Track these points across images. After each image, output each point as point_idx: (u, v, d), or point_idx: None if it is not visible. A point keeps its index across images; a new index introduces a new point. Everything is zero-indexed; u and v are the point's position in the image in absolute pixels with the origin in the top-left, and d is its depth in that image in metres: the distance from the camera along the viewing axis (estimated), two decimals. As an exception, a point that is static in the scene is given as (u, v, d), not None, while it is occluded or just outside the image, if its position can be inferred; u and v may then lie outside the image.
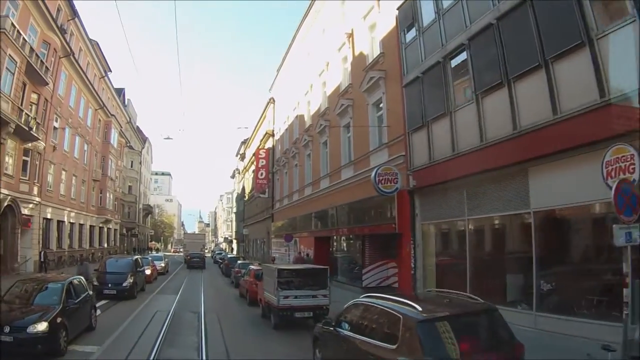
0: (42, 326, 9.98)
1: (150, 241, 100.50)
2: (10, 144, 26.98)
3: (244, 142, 76.78)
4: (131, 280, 19.92)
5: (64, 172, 36.76)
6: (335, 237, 27.76)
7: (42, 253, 28.19)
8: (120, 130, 55.53)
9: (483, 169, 13.32)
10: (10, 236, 27.34)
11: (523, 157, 11.80)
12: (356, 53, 24.36)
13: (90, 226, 44.86)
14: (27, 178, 28.88)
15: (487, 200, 13.76)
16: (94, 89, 43.50)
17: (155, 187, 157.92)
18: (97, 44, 47.88)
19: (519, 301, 12.50)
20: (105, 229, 51.30)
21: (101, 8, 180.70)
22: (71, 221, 38.68)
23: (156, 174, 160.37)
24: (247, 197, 66.53)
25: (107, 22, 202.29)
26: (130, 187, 67.12)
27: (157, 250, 77.07)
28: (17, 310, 10.75)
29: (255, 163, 47.62)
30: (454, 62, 15.41)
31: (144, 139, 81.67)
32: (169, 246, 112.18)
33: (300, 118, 35.59)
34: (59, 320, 10.63)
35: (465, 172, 14.10)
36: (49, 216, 33.35)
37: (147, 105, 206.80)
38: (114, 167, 52.51)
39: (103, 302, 18.67)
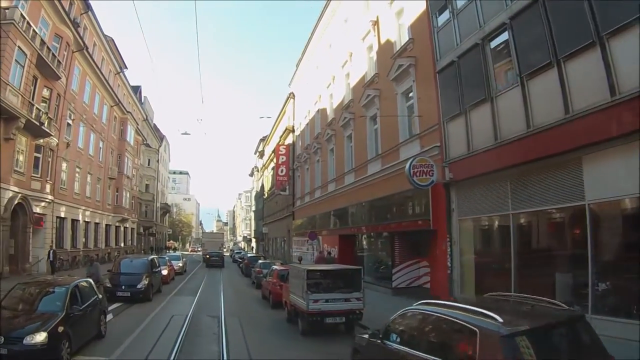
0: (40, 337, 8.68)
1: (168, 240, 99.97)
2: (21, 139, 26.01)
3: (262, 140, 75.87)
4: (146, 282, 18.64)
5: (78, 170, 35.80)
6: (361, 235, 26.31)
7: (51, 252, 26.99)
8: (137, 127, 54.64)
9: (530, 158, 12.19)
10: (21, 235, 26.34)
11: (576, 144, 10.61)
12: (382, 41, 23.11)
13: (106, 225, 43.98)
14: (39, 175, 27.90)
15: (534, 192, 12.53)
16: (109, 85, 42.54)
17: (173, 186, 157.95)
18: (112, 40, 46.98)
19: (570, 302, 11.02)
20: (122, 228, 50.43)
21: (115, 6, 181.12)
22: (86, 220, 37.75)
23: (174, 172, 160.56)
24: (266, 195, 65.53)
25: (121, 20, 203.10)
26: (147, 185, 66.31)
27: (175, 249, 76.18)
28: (14, 318, 9.44)
29: (275, 160, 46.34)
30: (494, 44, 14.18)
31: (161, 137, 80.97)
32: (187, 245, 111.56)
33: (322, 112, 34.24)
34: (60, 329, 9.33)
35: (510, 162, 12.92)
36: (62, 215, 32.38)
37: (164, 104, 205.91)
38: (131, 165, 51.60)
39: (116, 304, 17.52)
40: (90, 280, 12.72)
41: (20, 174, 25.91)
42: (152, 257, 22.34)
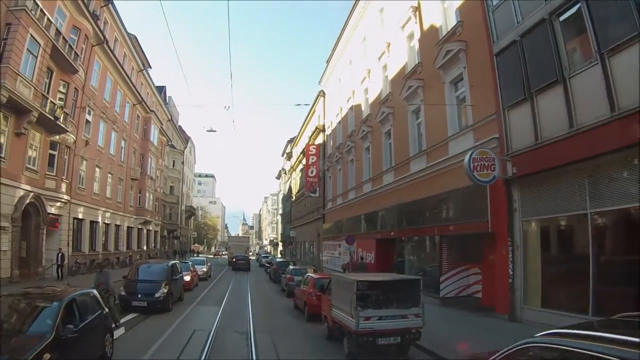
0: (15, 371, 6.50)
1: (194, 243, 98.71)
2: (34, 135, 24.34)
3: (290, 141, 74.23)
4: (165, 290, 16.50)
5: (97, 169, 34.14)
6: (401, 240, 23.90)
7: (59, 255, 25.34)
8: (161, 127, 53.07)
9: (614, 147, 10.37)
10: (33, 237, 24.65)
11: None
12: (425, 27, 21.12)
13: (128, 227, 42.32)
14: (53, 174, 26.19)
15: (619, 187, 10.69)
16: (131, 82, 40.98)
17: (198, 189, 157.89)
18: (135, 37, 45.57)
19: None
20: (145, 231, 48.78)
21: (139, 5, 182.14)
22: (106, 222, 36.07)
23: (200, 175, 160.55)
24: (294, 198, 63.67)
25: (146, 20, 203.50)
26: (172, 187, 64.78)
27: (197, 253, 74.34)
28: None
29: (304, 160, 44.16)
30: (564, 17, 12.28)
31: (186, 139, 79.60)
32: (213, 249, 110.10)
33: (356, 108, 32.07)
34: (46, 357, 7.11)
35: (589, 152, 11.10)
36: (80, 216, 30.71)
37: (189, 106, 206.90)
38: (154, 166, 49.99)
39: (131, 315, 15.51)
40: (95, 292, 10.53)
41: (33, 171, 24.22)
42: (173, 262, 20.14)
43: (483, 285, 16.69)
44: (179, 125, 76.84)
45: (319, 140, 44.73)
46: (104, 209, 35.12)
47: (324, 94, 44.99)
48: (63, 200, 27.01)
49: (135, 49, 44.13)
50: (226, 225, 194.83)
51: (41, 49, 23.38)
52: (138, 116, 45.19)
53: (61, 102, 26.30)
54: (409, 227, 21.49)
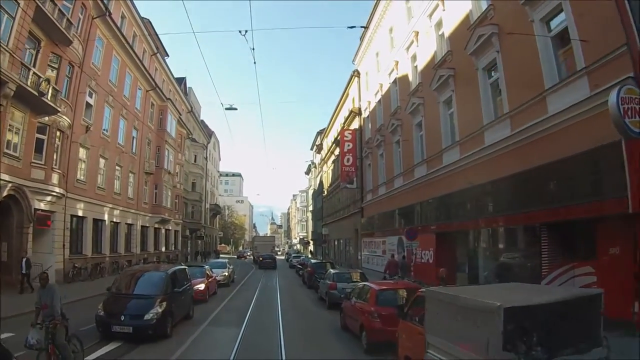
0: None
1: (220, 244, 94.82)
2: (13, 114, 20.02)
3: (320, 133, 69.73)
4: (160, 310, 11.78)
5: (102, 160, 29.88)
6: (472, 233, 18.75)
7: (24, 261, 19.53)
8: (179, 118, 48.77)
9: None
10: (16, 237, 20.39)
11: None
12: None
13: (142, 227, 38.08)
14: (42, 162, 21.94)
15: None
16: (143, 65, 36.77)
17: (225, 188, 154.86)
18: (150, 22, 41.51)
19: None
20: (163, 231, 44.47)
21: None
22: (114, 220, 31.82)
23: (226, 175, 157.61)
24: (325, 193, 59.10)
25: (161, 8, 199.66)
26: (194, 183, 60.45)
27: (217, 254, 69.75)
28: None
29: (339, 148, 39.13)
30: None
31: (209, 134, 75.57)
32: (240, 248, 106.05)
33: (401, 81, 27.23)
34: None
35: None
36: (79, 213, 26.47)
37: (213, 102, 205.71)
38: (172, 160, 45.66)
39: (109, 347, 10.97)
40: None
41: (14, 158, 19.96)
42: (177, 268, 15.14)
43: (603, 288, 11.76)
44: (202, 120, 72.86)
45: (355, 125, 39.80)
46: (111, 205, 30.85)
47: (359, 73, 40.11)
48: (55, 193, 22.71)
49: (147, 31, 39.94)
50: (254, 224, 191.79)
51: (19, 9, 19.18)
52: (152, 104, 40.97)
53: (50, 76, 21.98)
54: (491, 215, 16.15)
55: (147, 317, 11.50)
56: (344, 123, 42.90)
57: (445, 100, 20.55)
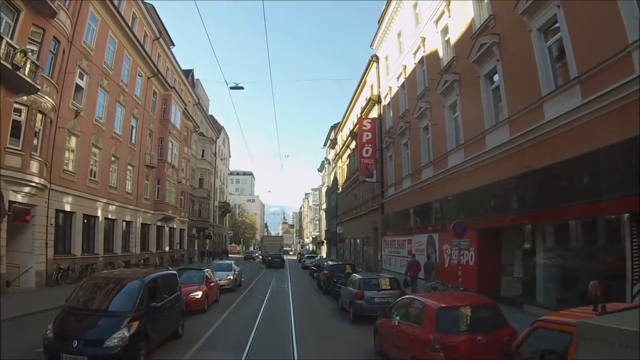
0: None
1: (230, 243, 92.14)
2: (-19, 90, 17.29)
3: (333, 127, 66.79)
4: (127, 333, 8.58)
5: (96, 150, 27.10)
6: (535, 226, 15.42)
7: None
8: (185, 109, 45.93)
9: None
10: (-16, 234, 17.64)
11: None
12: None
13: (143, 224, 35.23)
14: (18, 147, 19.10)
15: None
16: (143, 50, 33.95)
17: (236, 187, 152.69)
18: (153, 7, 38.91)
19: None
20: (167, 229, 41.58)
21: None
22: (109, 217, 28.95)
23: (237, 174, 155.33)
24: (340, 189, 56.08)
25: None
26: (201, 180, 57.60)
27: (226, 254, 66.77)
28: None
29: (358, 137, 35.90)
30: None
31: (218, 129, 72.81)
32: (251, 248, 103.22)
33: (429, 59, 24.29)
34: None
35: None
36: (67, 208, 23.66)
37: (224, 96, 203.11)
38: (177, 153, 42.83)
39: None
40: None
41: (-20, 142, 17.23)
42: (160, 274, 11.35)
43: None
44: (210, 115, 70.16)
45: (374, 114, 36.69)
46: (105, 200, 28.02)
47: (377, 58, 36.96)
48: (34, 184, 19.85)
49: (149, 14, 37.21)
50: (266, 224, 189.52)
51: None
52: (155, 92, 38.17)
53: (29, 49, 19.16)
54: (565, 204, 12.71)
55: (108, 343, 8.32)
56: (362, 112, 39.74)
57: (488, 73, 17.48)
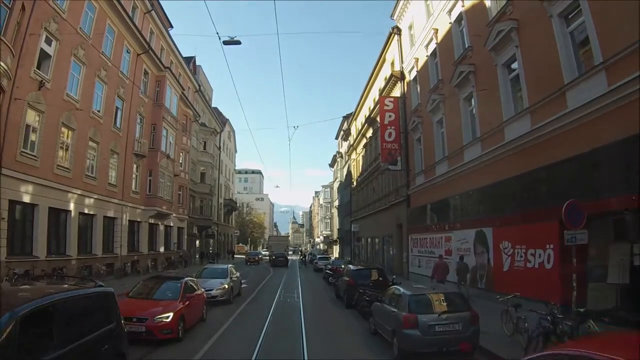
0: None
1: (237, 243, 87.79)
2: None
3: (346, 118, 62.38)
4: None
5: (66, 130, 22.84)
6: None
7: None
8: (182, 94, 41.60)
9: None
10: None
11: None
12: None
13: (131, 222, 30.93)
14: (-52, 118, 14.92)
15: None
16: (131, 21, 29.69)
17: (245, 186, 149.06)
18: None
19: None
20: (161, 227, 37.23)
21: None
22: (86, 211, 24.75)
23: (246, 172, 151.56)
24: (354, 184, 51.69)
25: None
26: (203, 174, 53.05)
27: (232, 255, 61.53)
28: None
29: (379, 119, 31.12)
30: None
31: (223, 121, 68.47)
32: (259, 248, 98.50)
33: (470, 13, 20.00)
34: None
35: None
36: (26, 199, 19.35)
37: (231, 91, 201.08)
38: (173, 142, 38.47)
39: None
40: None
41: None
42: (63, 296, 5.98)
43: None
44: (215, 107, 65.82)
45: (396, 94, 32.18)
46: (80, 191, 23.75)
47: (399, 30, 32.41)
48: (-28, 167, 15.70)
49: (140, -17, 33.01)
50: (275, 224, 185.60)
51: None
52: (146, 72, 33.92)
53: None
54: None
55: None
56: (381, 93, 35.13)
57: (562, 12, 13.07)
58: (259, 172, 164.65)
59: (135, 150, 31.29)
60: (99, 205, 25.96)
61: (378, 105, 31.70)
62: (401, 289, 11.33)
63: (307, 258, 58.08)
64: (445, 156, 22.25)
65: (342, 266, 25.89)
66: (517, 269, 14.64)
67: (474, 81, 19.02)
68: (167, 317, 11.16)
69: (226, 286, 18.44)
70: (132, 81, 30.79)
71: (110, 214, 27.55)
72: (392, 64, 34.25)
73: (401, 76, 31.25)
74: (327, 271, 29.82)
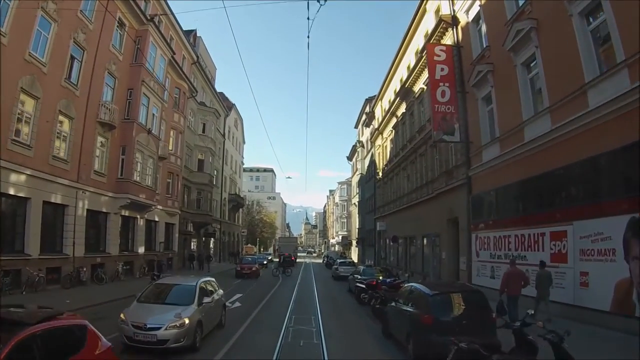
0: None
1: (246, 244, 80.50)
2: None
3: (369, 100, 55.55)
4: None
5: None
6: None
7: None
8: (172, 58, 34.34)
9: None
10: None
11: None
12: None
13: (92, 212, 23.80)
14: None
15: None
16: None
17: (256, 184, 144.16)
18: None
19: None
20: (140, 221, 29.99)
21: None
22: (11, 192, 17.57)
23: (258, 170, 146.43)
24: (380, 175, 44.35)
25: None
26: (200, 161, 45.48)
27: (236, 258, 51.83)
28: None
29: (429, 73, 23.15)
30: None
31: (229, 107, 61.29)
32: (270, 249, 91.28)
33: None
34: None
35: None
36: None
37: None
38: (158, 116, 31.31)
39: None
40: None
41: None
42: None
43: None
44: (221, 92, 58.65)
45: (448, 41, 24.55)
46: (21, 168, 16.80)
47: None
48: None
49: None
50: (287, 224, 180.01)
51: None
52: (122, 23, 26.81)
53: None
54: None
55: None
56: (431, 38, 26.85)
57: None
58: (271, 171, 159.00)
59: (101, 118, 24.19)
60: (36, 186, 18.76)
61: (426, 56, 23.85)
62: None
63: (323, 261, 52.90)
64: (546, 108, 14.65)
65: (380, 278, 18.21)
66: None
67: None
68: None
69: (186, 321, 10.27)
70: (99, 29, 23.78)
71: (56, 199, 20.35)
72: (437, 11, 26.79)
73: (453, 22, 23.82)
74: (359, 284, 20.81)
